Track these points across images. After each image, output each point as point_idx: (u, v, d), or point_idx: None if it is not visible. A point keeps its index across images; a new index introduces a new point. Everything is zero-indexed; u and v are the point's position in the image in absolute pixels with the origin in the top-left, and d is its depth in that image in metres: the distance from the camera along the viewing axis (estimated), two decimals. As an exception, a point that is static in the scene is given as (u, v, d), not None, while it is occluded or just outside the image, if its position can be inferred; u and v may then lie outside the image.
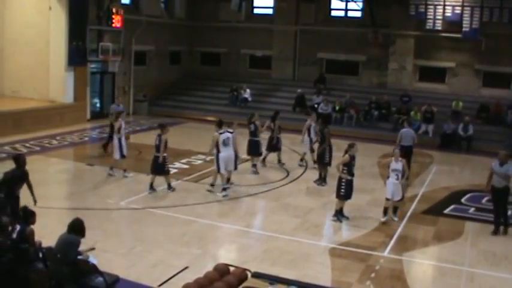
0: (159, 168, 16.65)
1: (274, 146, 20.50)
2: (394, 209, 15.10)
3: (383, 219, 14.78)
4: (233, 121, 17.92)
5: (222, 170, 16.76)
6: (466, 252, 13.18)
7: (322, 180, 18.44)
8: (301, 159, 21.31)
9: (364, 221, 14.94)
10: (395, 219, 14.98)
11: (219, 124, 16.97)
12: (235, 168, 17.16)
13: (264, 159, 20.62)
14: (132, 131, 22.81)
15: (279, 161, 20.80)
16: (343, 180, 14.75)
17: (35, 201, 12.09)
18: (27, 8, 28.28)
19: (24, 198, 11.96)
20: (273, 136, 20.42)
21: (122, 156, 18.25)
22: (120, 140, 18.11)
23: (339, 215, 14.93)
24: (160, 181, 16.90)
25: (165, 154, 16.59)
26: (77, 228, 9.01)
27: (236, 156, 16.89)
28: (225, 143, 16.49)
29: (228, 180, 16.98)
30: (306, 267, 11.74)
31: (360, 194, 16.18)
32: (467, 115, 27.01)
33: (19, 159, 12.47)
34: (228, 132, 16.65)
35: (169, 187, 16.95)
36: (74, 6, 27.15)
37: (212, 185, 17.10)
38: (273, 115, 20.87)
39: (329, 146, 18.58)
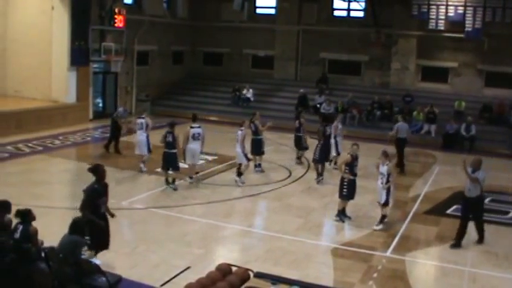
0: (173, 163, 17.27)
1: (303, 145, 21.17)
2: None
3: (376, 228, 14.44)
4: (245, 120, 18.95)
5: (188, 161, 17.75)
6: (468, 252, 13.16)
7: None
8: (299, 158, 21.52)
9: (366, 221, 14.93)
10: (375, 227, 14.53)
11: (194, 119, 17.98)
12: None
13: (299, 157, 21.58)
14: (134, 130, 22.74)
15: (299, 158, 21.48)
16: (346, 180, 14.76)
17: (112, 215, 11.45)
18: (29, 8, 28.33)
19: (22, 197, 11.93)
20: (300, 135, 21.06)
21: (150, 151, 19.03)
22: (147, 136, 18.92)
23: (342, 215, 14.93)
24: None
25: (176, 150, 17.17)
26: (79, 229, 8.99)
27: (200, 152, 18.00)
28: (194, 137, 17.46)
29: (197, 173, 18.40)
30: (309, 267, 11.74)
31: (363, 194, 16.17)
32: (470, 115, 26.99)
33: (98, 171, 10.90)
34: (198, 128, 17.66)
35: (174, 182, 17.37)
36: (76, 6, 27.19)
37: (191, 177, 17.90)
38: (296, 114, 21.92)
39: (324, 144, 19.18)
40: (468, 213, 13.56)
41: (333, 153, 20.50)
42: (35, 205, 9.96)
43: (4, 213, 9.80)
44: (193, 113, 18.65)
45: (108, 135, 22.63)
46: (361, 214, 15.48)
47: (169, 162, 17.22)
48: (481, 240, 13.59)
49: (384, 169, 14.41)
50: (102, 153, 21.59)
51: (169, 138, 17.17)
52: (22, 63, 28.32)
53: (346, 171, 14.69)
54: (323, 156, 19.00)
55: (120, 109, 22.56)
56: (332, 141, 20.17)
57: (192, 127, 17.59)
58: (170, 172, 17.38)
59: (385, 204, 14.46)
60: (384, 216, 14.52)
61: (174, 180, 17.43)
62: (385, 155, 14.59)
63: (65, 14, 27.14)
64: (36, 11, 28.18)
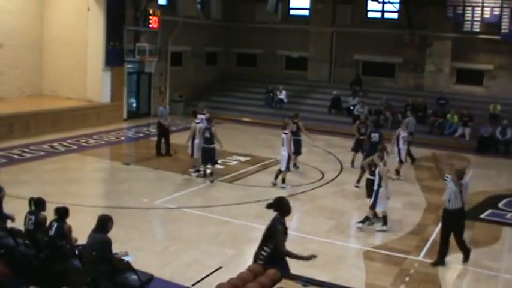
0: (211, 157, 18.19)
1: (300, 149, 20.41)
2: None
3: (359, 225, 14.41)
4: (288, 122, 18.84)
5: (195, 156, 18.51)
6: (503, 258, 13.00)
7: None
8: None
9: (399, 224, 14.82)
10: (358, 224, 14.41)
11: (194, 115, 19.19)
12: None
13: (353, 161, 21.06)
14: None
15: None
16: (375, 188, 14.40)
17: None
18: (66, 9, 28.74)
19: (58, 195, 12.08)
20: (299, 138, 20.28)
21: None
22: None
23: (370, 219, 14.54)
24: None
25: (214, 145, 18.03)
26: (104, 226, 9.05)
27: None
28: (200, 133, 18.34)
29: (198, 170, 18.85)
30: (340, 269, 11.70)
31: (395, 197, 16.05)
32: (506, 118, 26.57)
33: (282, 204, 9.07)
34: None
35: (212, 175, 18.29)
36: (111, 7, 27.51)
37: (198, 170, 18.62)
38: (293, 116, 20.52)
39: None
40: (448, 227, 12.23)
41: (397, 160, 19.71)
42: (69, 203, 10.09)
43: (39, 210, 9.97)
44: (193, 110, 20.30)
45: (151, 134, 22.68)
46: (393, 217, 15.36)
47: (208, 156, 18.11)
48: (466, 259, 12.39)
49: (377, 170, 14.33)
50: (150, 155, 21.50)
51: (207, 134, 17.99)
52: (58, 64, 28.73)
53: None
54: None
55: (160, 108, 22.10)
56: (395, 149, 19.63)
57: (197, 123, 18.65)
58: (209, 166, 18.28)
59: (372, 207, 14.30)
60: (367, 218, 14.37)
61: (212, 173, 18.27)
62: (380, 156, 14.75)
63: (100, 15, 27.46)
64: (72, 12, 28.57)
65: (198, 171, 18.65)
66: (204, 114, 19.48)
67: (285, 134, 17.71)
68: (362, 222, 14.37)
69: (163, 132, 21.63)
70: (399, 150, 19.67)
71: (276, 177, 18.00)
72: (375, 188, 14.16)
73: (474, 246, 13.52)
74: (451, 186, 11.96)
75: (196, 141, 18.46)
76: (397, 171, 19.67)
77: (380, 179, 14.04)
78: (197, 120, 18.96)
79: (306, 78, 35.39)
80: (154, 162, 20.26)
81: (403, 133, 19.81)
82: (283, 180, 17.92)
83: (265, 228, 8.82)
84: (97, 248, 8.81)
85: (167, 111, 22.15)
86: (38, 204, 9.99)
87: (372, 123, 20.60)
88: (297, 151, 19.77)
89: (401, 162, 19.77)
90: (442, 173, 13.43)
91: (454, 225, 12.15)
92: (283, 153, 17.69)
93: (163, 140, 21.59)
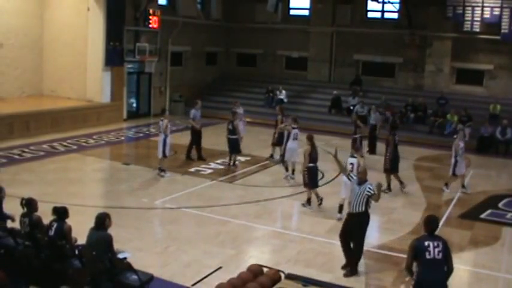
0: (235, 147, 20.25)
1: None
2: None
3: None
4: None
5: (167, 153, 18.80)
6: (503, 258, 12.99)
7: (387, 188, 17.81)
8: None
9: (398, 224, 14.82)
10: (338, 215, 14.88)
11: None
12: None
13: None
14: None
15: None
16: (305, 169, 15.66)
17: None
18: (66, 9, 28.74)
19: (58, 195, 12.07)
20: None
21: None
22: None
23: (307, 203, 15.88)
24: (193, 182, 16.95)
25: (236, 136, 20.07)
26: (102, 224, 9.04)
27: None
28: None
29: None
30: (340, 269, 11.66)
31: (395, 197, 16.06)
32: (506, 118, 26.55)
33: None
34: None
35: (234, 163, 20.41)
36: (111, 7, 27.51)
37: (163, 170, 18.76)
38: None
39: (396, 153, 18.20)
40: (348, 231, 11.53)
41: (450, 172, 18.54)
42: (69, 203, 10.09)
43: (32, 211, 9.93)
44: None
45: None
46: (393, 217, 15.38)
47: (232, 146, 20.16)
48: (353, 271, 11.47)
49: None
50: (182, 160, 21.14)
51: (230, 126, 20.09)
52: (58, 64, 28.74)
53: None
54: (394, 166, 18.00)
55: (193, 110, 21.31)
56: (452, 160, 18.35)
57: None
58: (233, 155, 20.32)
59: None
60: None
61: (234, 162, 20.43)
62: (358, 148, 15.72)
63: (100, 15, 27.46)
64: (72, 12, 28.57)
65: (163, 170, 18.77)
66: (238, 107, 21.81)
67: (294, 129, 18.66)
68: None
69: (197, 136, 21.19)
70: (456, 162, 18.24)
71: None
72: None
73: (474, 246, 13.56)
74: (354, 188, 11.49)
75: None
76: (446, 184, 18.57)
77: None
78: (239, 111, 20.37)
79: (306, 78, 35.40)
80: (156, 162, 20.24)
81: (461, 144, 18.43)
82: (293, 172, 18.99)
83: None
84: (97, 246, 8.81)
85: (199, 114, 21.52)
86: (29, 204, 9.96)
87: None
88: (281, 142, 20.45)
89: (453, 174, 18.39)
90: (342, 168, 12.97)
91: (354, 229, 11.39)
92: (293, 146, 18.65)
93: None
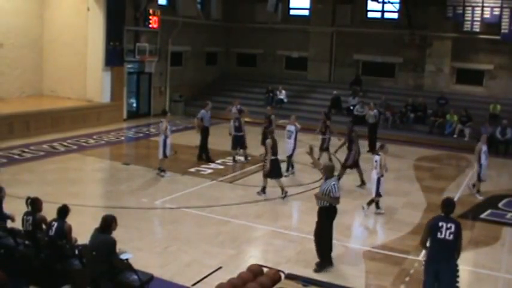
0: (241, 143, 20.95)
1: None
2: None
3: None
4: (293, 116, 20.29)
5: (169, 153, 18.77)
6: (503, 258, 13.00)
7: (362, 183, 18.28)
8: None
9: (398, 224, 14.82)
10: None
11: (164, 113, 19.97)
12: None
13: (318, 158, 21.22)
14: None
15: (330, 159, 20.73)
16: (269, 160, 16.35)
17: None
18: (66, 9, 28.77)
19: (58, 195, 12.06)
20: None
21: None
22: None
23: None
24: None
25: (242, 133, 20.89)
26: (108, 226, 9.03)
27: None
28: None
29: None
30: (340, 269, 11.68)
31: (395, 196, 16.07)
32: (506, 118, 26.54)
33: None
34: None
35: (246, 159, 21.27)
36: (111, 7, 27.53)
37: (163, 170, 18.74)
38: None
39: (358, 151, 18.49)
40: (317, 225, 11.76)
41: (476, 178, 18.19)
42: (69, 203, 10.06)
43: (36, 211, 9.95)
44: (163, 108, 22.45)
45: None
46: (394, 217, 15.38)
47: (238, 142, 20.80)
48: (322, 264, 11.62)
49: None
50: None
51: (237, 123, 20.79)
52: (58, 64, 28.75)
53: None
54: (357, 162, 18.36)
55: (202, 111, 21.24)
56: (476, 165, 18.16)
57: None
58: (240, 151, 21.01)
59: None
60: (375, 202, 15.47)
61: (246, 156, 21.32)
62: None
63: (100, 15, 27.47)
64: (72, 12, 28.59)
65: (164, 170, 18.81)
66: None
67: (294, 125, 19.44)
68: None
69: (207, 137, 21.14)
70: (480, 166, 17.89)
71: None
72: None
73: (474, 246, 13.55)
74: (322, 183, 11.77)
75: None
76: (477, 190, 18.12)
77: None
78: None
79: (306, 78, 35.39)
80: (154, 162, 20.23)
81: (484, 147, 17.96)
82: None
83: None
84: (99, 248, 8.80)
85: (209, 115, 21.42)
86: (34, 204, 9.98)
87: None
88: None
89: (479, 180, 18.02)
90: (318, 166, 13.14)
91: (318, 221, 11.68)
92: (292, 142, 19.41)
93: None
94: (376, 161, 15.30)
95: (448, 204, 9.22)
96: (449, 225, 8.89)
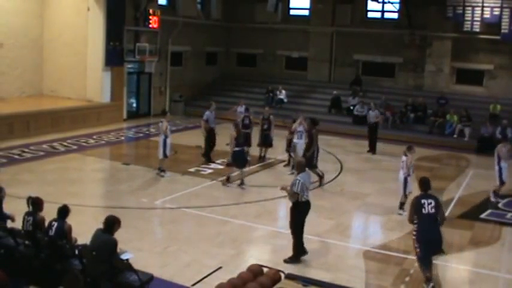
0: (247, 141, 20.44)
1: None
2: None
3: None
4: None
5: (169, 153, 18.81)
6: (503, 258, 13.00)
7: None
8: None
9: (399, 224, 14.80)
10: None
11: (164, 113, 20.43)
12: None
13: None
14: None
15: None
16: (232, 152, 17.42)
17: None
18: (66, 9, 28.78)
19: (58, 195, 12.06)
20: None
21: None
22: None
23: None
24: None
25: (249, 130, 21.09)
26: (111, 227, 9.03)
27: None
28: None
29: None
30: (340, 269, 11.69)
31: (396, 196, 16.04)
32: (506, 118, 26.52)
33: None
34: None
35: (262, 156, 21.65)
36: (111, 7, 27.53)
37: (163, 170, 18.74)
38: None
39: (317, 148, 18.60)
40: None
41: (497, 181, 17.25)
42: (69, 203, 10.06)
43: (37, 211, 9.95)
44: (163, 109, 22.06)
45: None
46: (394, 217, 15.37)
47: (246, 140, 19.93)
48: (295, 257, 11.89)
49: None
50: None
51: (246, 121, 21.17)
52: (58, 63, 28.76)
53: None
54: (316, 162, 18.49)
55: (206, 112, 21.24)
56: (496, 168, 17.22)
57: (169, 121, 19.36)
58: (246, 148, 19.97)
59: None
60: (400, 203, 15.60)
61: (262, 155, 21.62)
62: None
63: (100, 15, 27.47)
64: (72, 12, 28.59)
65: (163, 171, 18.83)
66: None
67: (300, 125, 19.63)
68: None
69: (213, 138, 21.16)
70: (500, 168, 17.13)
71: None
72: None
73: (474, 246, 13.55)
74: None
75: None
76: (497, 195, 17.35)
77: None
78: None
79: (306, 78, 35.39)
80: (154, 162, 20.24)
81: (504, 149, 17.25)
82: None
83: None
84: (100, 248, 8.80)
85: (214, 116, 21.41)
86: (35, 204, 9.97)
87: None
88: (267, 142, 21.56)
89: (502, 183, 17.21)
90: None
91: (291, 216, 12.04)
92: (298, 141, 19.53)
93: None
94: (402, 161, 15.47)
95: (425, 182, 10.79)
96: (429, 200, 10.42)
